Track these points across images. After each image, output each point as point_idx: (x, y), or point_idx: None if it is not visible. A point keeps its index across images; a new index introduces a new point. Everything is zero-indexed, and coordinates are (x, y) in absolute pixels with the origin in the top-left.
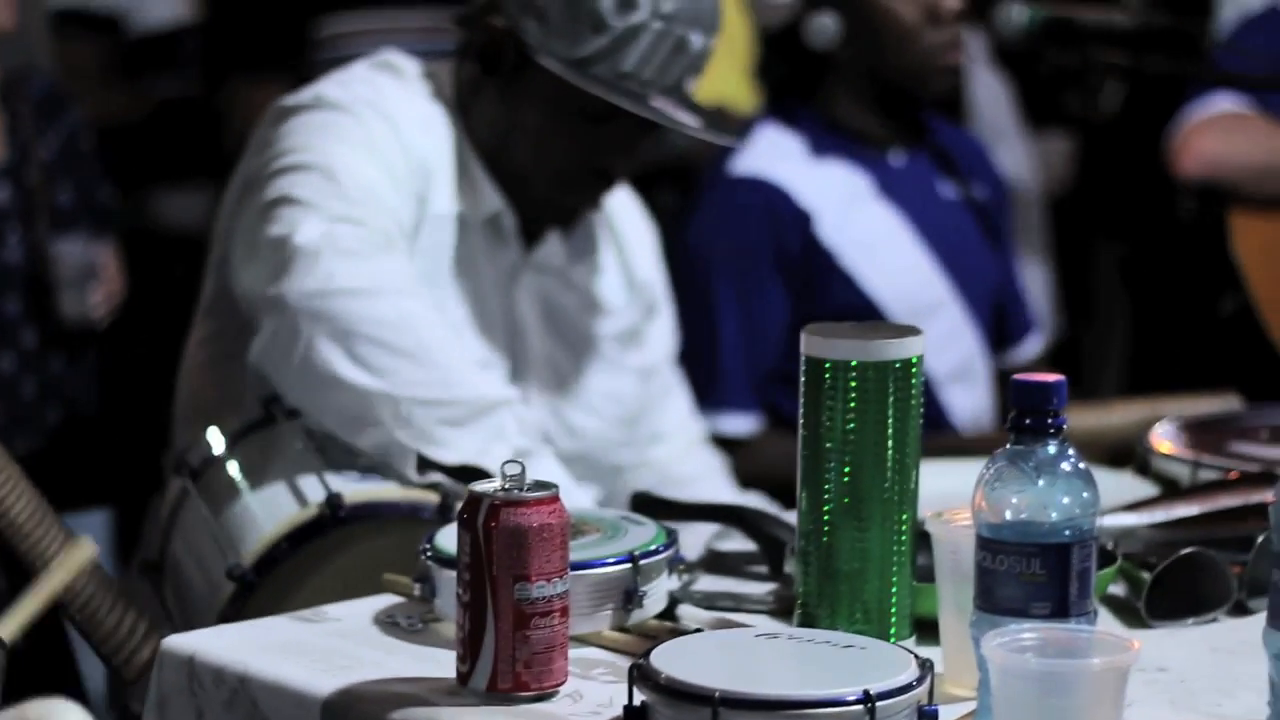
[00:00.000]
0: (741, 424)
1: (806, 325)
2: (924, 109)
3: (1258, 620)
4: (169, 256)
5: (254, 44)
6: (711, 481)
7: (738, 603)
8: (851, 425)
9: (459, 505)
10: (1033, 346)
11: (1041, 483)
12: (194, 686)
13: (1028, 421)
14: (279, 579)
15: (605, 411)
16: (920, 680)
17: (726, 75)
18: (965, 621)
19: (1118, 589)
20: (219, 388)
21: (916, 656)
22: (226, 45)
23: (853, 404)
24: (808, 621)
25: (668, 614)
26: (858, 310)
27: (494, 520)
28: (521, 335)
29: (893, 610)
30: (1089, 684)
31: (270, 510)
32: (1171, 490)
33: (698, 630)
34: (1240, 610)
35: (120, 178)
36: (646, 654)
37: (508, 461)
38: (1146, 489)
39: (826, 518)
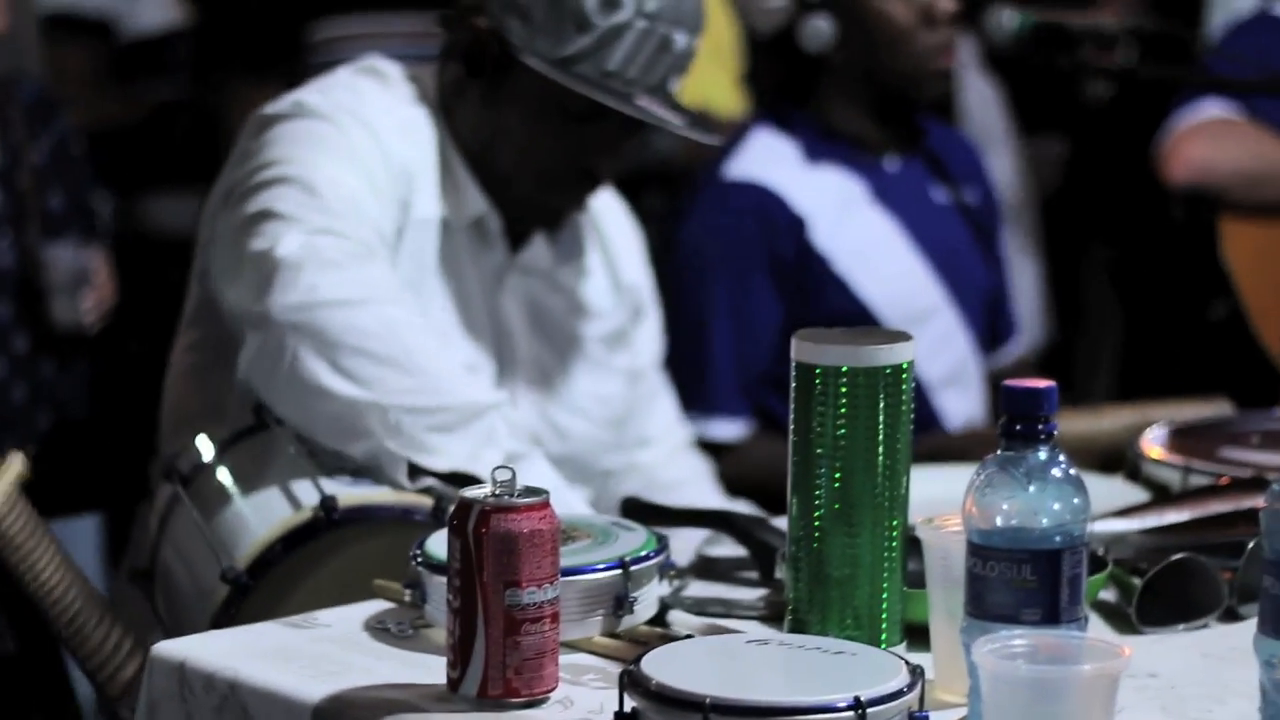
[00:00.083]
0: (732, 429)
1: (798, 330)
2: (918, 112)
3: (1249, 626)
4: (162, 261)
5: (248, 48)
6: (698, 486)
7: (728, 609)
8: (842, 431)
9: (452, 508)
10: (1015, 348)
11: (1032, 489)
12: (184, 692)
13: (1018, 428)
14: (273, 582)
15: (593, 413)
16: (911, 686)
17: (714, 80)
18: (956, 627)
19: (1108, 595)
20: (204, 396)
21: (907, 663)
22: (219, 49)
23: (843, 410)
24: (798, 627)
25: (658, 620)
26: (851, 316)
27: (484, 526)
28: (508, 338)
29: (883, 616)
30: (1079, 690)
31: (263, 514)
32: (1162, 496)
33: (688, 636)
34: (1231, 616)
35: (112, 182)
36: (637, 660)
37: (498, 467)
38: (1137, 494)
39: (817, 523)
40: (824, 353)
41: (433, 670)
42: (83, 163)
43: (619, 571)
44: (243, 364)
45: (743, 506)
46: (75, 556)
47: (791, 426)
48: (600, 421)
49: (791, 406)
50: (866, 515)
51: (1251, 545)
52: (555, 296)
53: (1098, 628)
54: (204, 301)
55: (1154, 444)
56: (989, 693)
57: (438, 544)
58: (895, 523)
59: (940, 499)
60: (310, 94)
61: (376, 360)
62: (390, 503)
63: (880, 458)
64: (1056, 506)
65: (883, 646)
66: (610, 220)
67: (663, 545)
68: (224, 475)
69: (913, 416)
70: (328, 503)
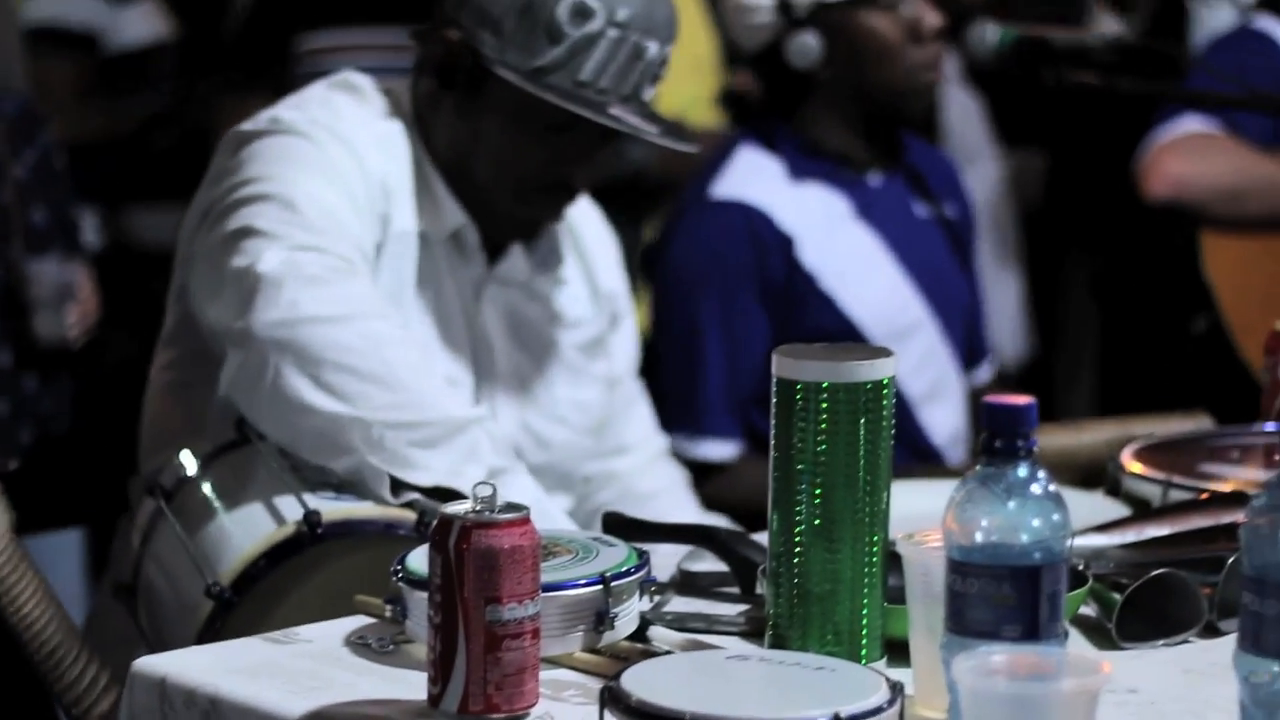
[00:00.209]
0: (723, 450)
1: (779, 347)
2: (903, 128)
3: (1229, 642)
4: (148, 275)
5: (234, 61)
6: (674, 496)
7: (709, 624)
8: (823, 447)
9: (435, 522)
10: (984, 373)
11: (1012, 505)
12: (165, 708)
13: (998, 444)
14: (258, 597)
15: (573, 421)
16: (891, 702)
17: (692, 95)
18: (936, 643)
19: (1089, 610)
20: (184, 412)
21: (887, 679)
22: (205, 62)
23: (824, 425)
24: (779, 643)
25: (639, 635)
26: (837, 332)
27: (465, 542)
28: (487, 349)
29: (864, 632)
30: (1059, 707)
31: (247, 529)
32: (1143, 511)
33: (669, 652)
34: (1211, 632)
35: (98, 196)
36: (617, 676)
37: (479, 484)
38: (1118, 509)
39: (798, 539)
40: (805, 369)
41: (414, 686)
42: (64, 177)
43: (600, 587)
44: (224, 381)
45: (718, 520)
46: (57, 571)
47: (772, 442)
48: (580, 429)
49: (773, 422)
50: (847, 531)
51: (1231, 561)
52: (533, 306)
53: (1078, 643)
54: (182, 318)
55: (1134, 459)
56: (969, 709)
57: (419, 560)
58: (876, 538)
59: (921, 514)
60: (286, 110)
61: (359, 376)
62: (374, 517)
63: (861, 473)
64: (1036, 523)
65: (863, 662)
66: (586, 228)
67: (644, 561)
68: (206, 490)
69: (894, 432)
70: (311, 517)
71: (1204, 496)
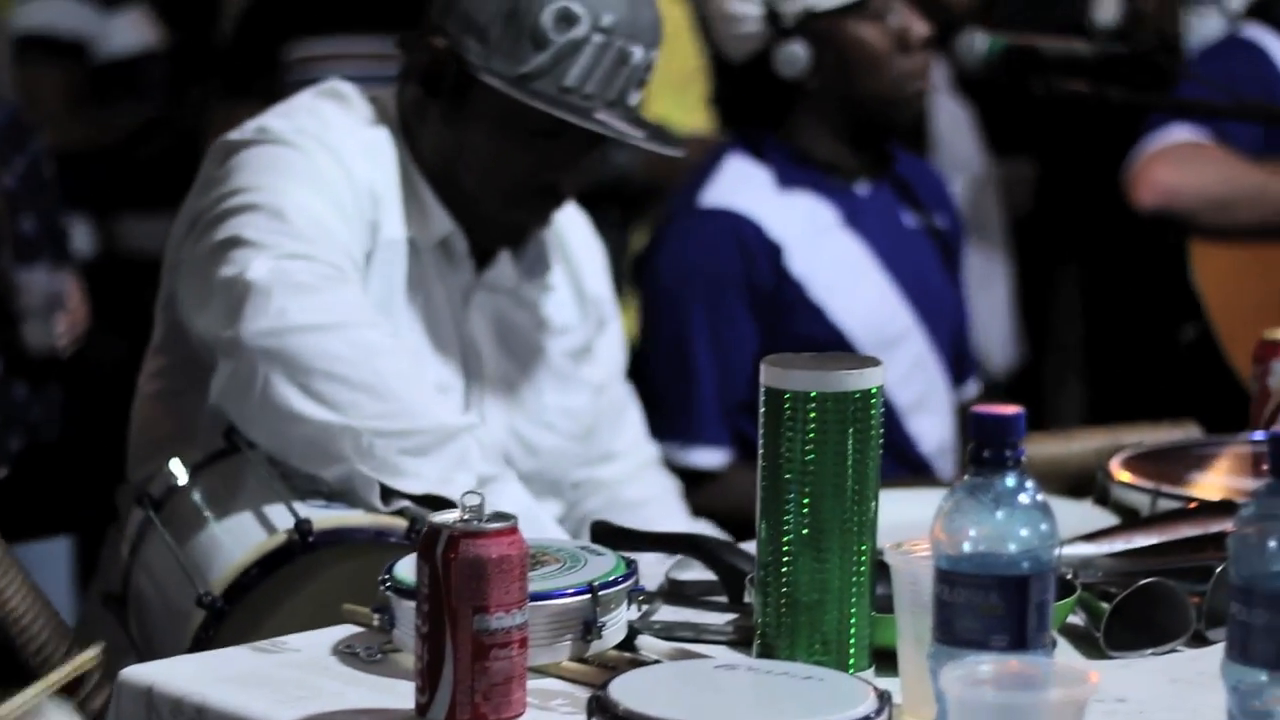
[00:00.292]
0: (714, 457)
1: (768, 356)
2: (892, 138)
3: (1217, 651)
4: (138, 283)
5: (225, 69)
6: (663, 505)
7: (697, 633)
8: (811, 456)
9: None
10: (971, 389)
11: (1000, 515)
12: (152, 717)
13: (986, 454)
14: (249, 606)
15: (561, 427)
16: (878, 712)
17: (679, 105)
18: (924, 653)
19: (1077, 619)
20: (172, 421)
21: (875, 688)
22: (195, 70)
23: (812, 435)
24: (767, 652)
25: (627, 645)
26: (825, 341)
27: (453, 551)
28: (475, 356)
29: (851, 641)
30: (1047, 716)
31: (237, 538)
32: (1131, 520)
33: (657, 661)
34: (1199, 641)
35: (88, 204)
36: (605, 685)
37: (467, 492)
38: (1106, 518)
39: (786, 548)
40: (793, 378)
41: (401, 695)
42: (53, 186)
43: (587, 596)
44: (214, 390)
45: (706, 528)
46: (46, 579)
47: (761, 451)
48: (568, 435)
49: (761, 431)
50: (835, 540)
51: (1219, 570)
52: (521, 313)
53: (1066, 652)
54: (171, 327)
55: (1123, 467)
56: (956, 719)
57: (406, 569)
58: (864, 547)
59: (909, 523)
60: (273, 119)
61: (348, 384)
62: (365, 525)
63: (849, 482)
64: (1024, 533)
65: (851, 672)
66: (573, 235)
67: (631, 570)
68: (196, 499)
69: (882, 441)
70: (302, 525)
71: (1192, 506)
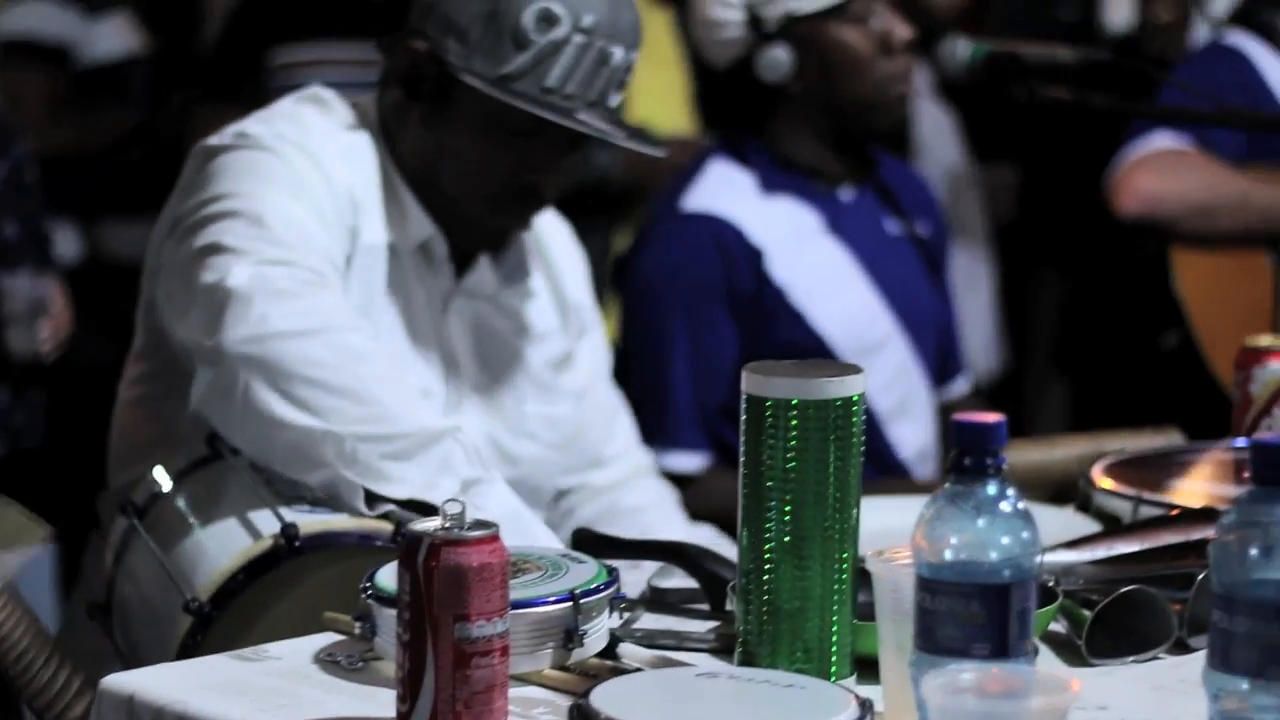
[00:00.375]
0: (691, 462)
1: (749, 363)
2: (874, 142)
3: (1199, 658)
4: (123, 288)
5: (208, 74)
6: (662, 511)
7: (679, 641)
8: (792, 464)
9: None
10: (961, 386)
11: (981, 523)
12: None
13: (967, 462)
14: (237, 611)
15: (542, 436)
16: None
17: (664, 109)
18: (905, 660)
19: (1059, 627)
20: (153, 426)
21: (857, 696)
22: (178, 76)
23: (793, 442)
24: (748, 660)
25: (609, 652)
26: (806, 347)
27: (434, 560)
28: (453, 362)
29: (833, 649)
30: None
31: (223, 544)
32: (1113, 527)
33: (638, 669)
34: (1181, 648)
35: (72, 210)
36: (587, 693)
37: (449, 500)
38: (1088, 525)
39: (767, 556)
40: (774, 385)
41: (383, 703)
42: (38, 191)
43: (569, 604)
44: (195, 397)
45: (708, 532)
46: (29, 586)
47: (742, 459)
48: (549, 444)
49: (742, 439)
50: (817, 548)
51: (1201, 577)
52: (501, 319)
53: (1047, 659)
54: (151, 333)
55: (1105, 474)
56: None
57: (388, 577)
58: (845, 555)
59: (891, 531)
60: (253, 124)
61: (330, 390)
62: (350, 529)
63: (831, 490)
64: (1005, 541)
65: (833, 679)
66: (553, 241)
67: (613, 577)
68: (181, 506)
69: (864, 448)
70: (289, 530)
71: (1174, 513)
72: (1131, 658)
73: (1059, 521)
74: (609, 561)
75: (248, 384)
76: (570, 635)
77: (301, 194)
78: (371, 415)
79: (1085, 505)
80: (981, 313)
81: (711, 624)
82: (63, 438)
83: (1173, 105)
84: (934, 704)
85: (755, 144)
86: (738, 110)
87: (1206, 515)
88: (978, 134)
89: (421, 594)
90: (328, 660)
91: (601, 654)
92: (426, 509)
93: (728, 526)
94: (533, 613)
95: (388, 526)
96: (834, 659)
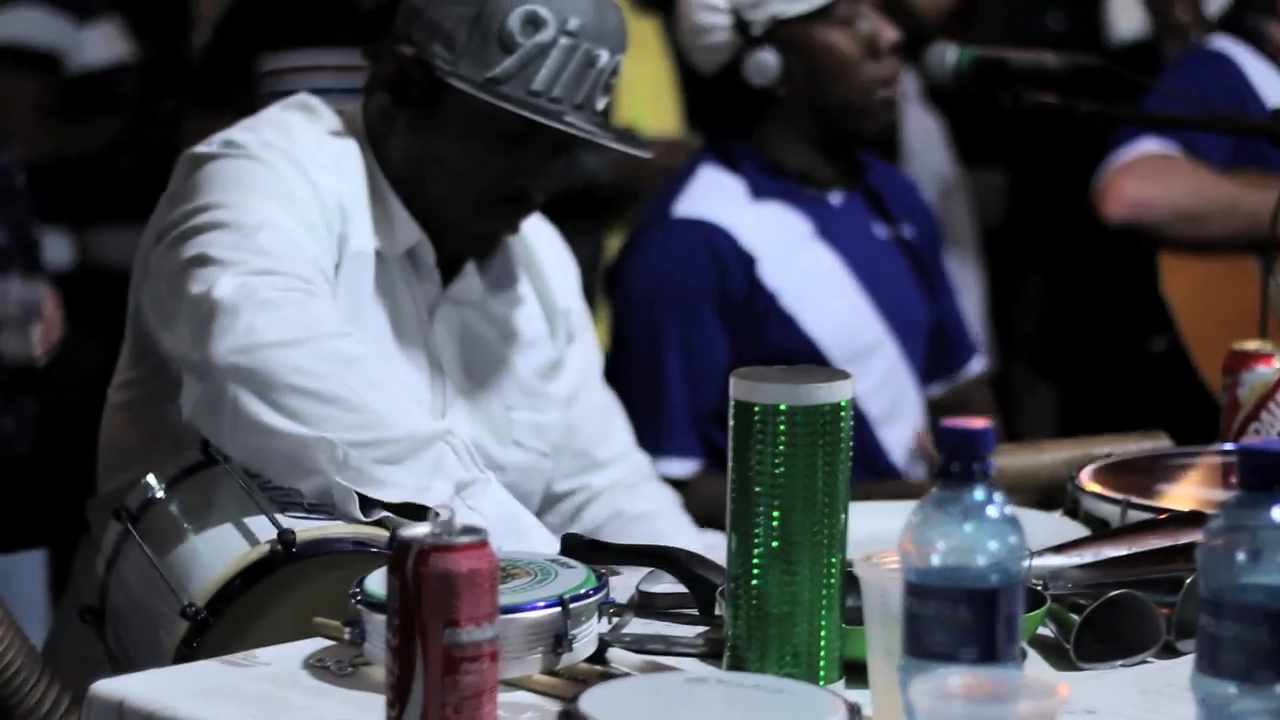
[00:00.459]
0: (684, 467)
1: (738, 369)
2: (862, 146)
3: (1187, 662)
4: (113, 295)
5: (198, 81)
6: (670, 519)
7: (668, 646)
8: (780, 469)
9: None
10: (977, 366)
11: (968, 528)
12: None
13: (955, 467)
14: (233, 617)
15: (529, 444)
16: None
17: (652, 114)
18: (894, 665)
19: (1047, 631)
20: (143, 432)
21: (845, 701)
22: (168, 82)
23: (782, 448)
24: (737, 665)
25: (598, 657)
26: (797, 352)
27: (423, 565)
28: (440, 369)
29: (822, 654)
30: None
31: (218, 550)
32: (1101, 531)
33: (627, 674)
34: (1169, 652)
35: (62, 216)
36: (576, 698)
37: (439, 506)
38: (1076, 530)
39: (756, 561)
40: (763, 391)
41: (372, 709)
42: (26, 196)
43: (558, 609)
44: (186, 410)
45: (714, 538)
46: (20, 592)
47: (730, 464)
48: (536, 452)
49: (730, 445)
50: (805, 553)
51: (1189, 581)
52: (488, 327)
53: (1035, 664)
54: (139, 339)
55: (1093, 479)
56: None
57: (377, 582)
58: (834, 560)
59: (879, 536)
60: (239, 132)
61: (319, 398)
62: (346, 535)
63: (819, 495)
64: (993, 545)
65: (821, 684)
66: (541, 247)
67: (602, 582)
68: (174, 512)
69: (852, 454)
70: (285, 536)
71: (1162, 517)
72: (1119, 662)
73: (1047, 526)
74: (599, 567)
75: (236, 395)
76: (559, 640)
77: (289, 203)
78: (362, 421)
79: (1073, 509)
80: (969, 316)
81: (700, 629)
82: (52, 444)
83: (1159, 110)
84: (922, 709)
85: (744, 149)
86: (726, 115)
87: (1194, 519)
88: (965, 139)
89: (411, 599)
90: (317, 666)
91: (590, 659)
92: (422, 513)
93: (718, 529)
94: (522, 618)
95: (383, 532)
96: (823, 664)
